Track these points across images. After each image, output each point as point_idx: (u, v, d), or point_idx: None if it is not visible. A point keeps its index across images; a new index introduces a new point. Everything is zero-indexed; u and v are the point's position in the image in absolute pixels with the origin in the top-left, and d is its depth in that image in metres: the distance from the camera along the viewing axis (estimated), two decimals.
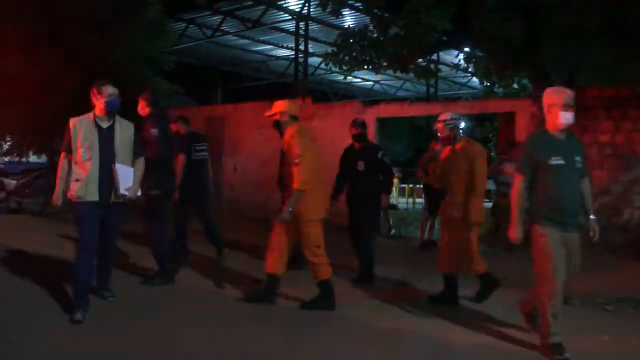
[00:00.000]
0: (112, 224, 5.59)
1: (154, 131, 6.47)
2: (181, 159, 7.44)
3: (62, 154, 5.41)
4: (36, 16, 10.99)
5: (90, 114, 5.38)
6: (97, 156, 5.26)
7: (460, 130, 6.17)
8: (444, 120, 6.16)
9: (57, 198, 5.44)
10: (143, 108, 6.75)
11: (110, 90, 5.33)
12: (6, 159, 14.48)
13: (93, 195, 5.25)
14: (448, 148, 6.20)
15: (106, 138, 5.34)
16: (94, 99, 5.34)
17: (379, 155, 7.38)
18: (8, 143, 13.82)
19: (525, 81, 12.99)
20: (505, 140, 9.92)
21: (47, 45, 11.18)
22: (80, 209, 5.28)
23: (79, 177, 5.24)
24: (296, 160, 5.52)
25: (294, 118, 5.96)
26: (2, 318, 5.18)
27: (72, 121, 5.32)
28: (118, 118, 5.48)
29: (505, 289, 6.41)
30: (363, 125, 7.56)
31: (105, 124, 5.38)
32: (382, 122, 12.73)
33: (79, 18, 11.35)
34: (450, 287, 6.29)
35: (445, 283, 6.31)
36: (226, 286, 6.75)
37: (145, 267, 7.21)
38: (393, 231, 12.36)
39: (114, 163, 5.35)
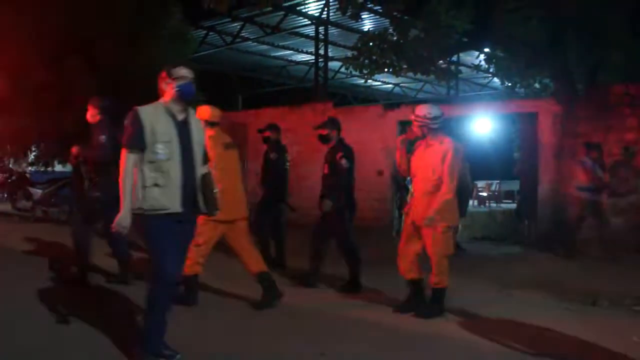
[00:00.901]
0: (184, 246, 4.50)
1: (102, 137, 6.58)
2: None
3: (125, 151, 4.16)
4: (60, 28, 11.13)
5: (161, 103, 4.39)
6: (179, 155, 4.22)
7: (434, 127, 5.74)
8: (418, 116, 5.80)
9: (125, 218, 4.11)
10: (93, 115, 6.79)
11: (183, 72, 4.39)
12: (32, 169, 14.68)
13: (175, 206, 4.17)
14: (421, 144, 5.85)
15: (183, 133, 4.30)
16: (163, 85, 4.40)
17: (337, 157, 7.04)
18: (34, 153, 14.01)
19: (547, 80, 12.88)
20: (585, 142, 9.74)
21: (71, 55, 11.32)
22: (156, 224, 4.14)
23: (158, 182, 4.12)
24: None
25: (210, 124, 6.02)
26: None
27: (141, 109, 4.26)
28: (190, 110, 4.51)
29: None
30: (326, 125, 7.38)
31: (179, 116, 4.34)
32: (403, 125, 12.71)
33: (102, 28, 11.47)
34: (414, 294, 5.94)
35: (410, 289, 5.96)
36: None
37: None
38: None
39: (195, 164, 4.34)
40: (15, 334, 4.85)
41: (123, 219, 4.10)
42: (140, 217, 4.14)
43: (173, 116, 4.29)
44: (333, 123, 7.33)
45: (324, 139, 7.29)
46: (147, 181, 4.13)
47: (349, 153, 7.07)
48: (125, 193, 4.11)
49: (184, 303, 5.66)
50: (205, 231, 5.72)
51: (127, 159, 4.14)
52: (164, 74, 4.40)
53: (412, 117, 5.85)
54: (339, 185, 7.00)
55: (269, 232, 8.43)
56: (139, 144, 4.13)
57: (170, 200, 4.15)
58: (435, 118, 5.73)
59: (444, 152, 5.62)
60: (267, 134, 8.73)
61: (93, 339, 4.72)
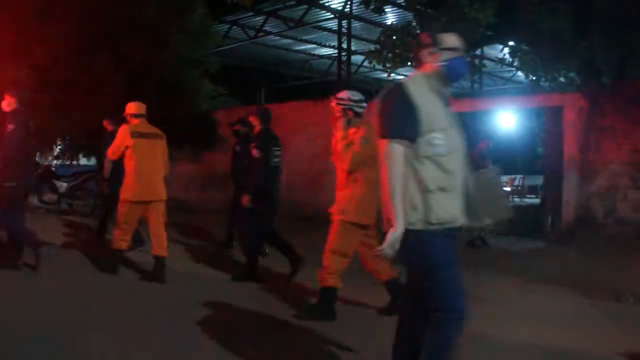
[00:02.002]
0: None
1: (12, 127, 6.63)
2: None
3: (388, 143, 3.03)
4: (85, 22, 11.23)
5: (421, 75, 3.33)
6: (460, 149, 3.21)
7: (359, 110, 5.41)
8: (342, 98, 5.43)
9: (398, 237, 2.96)
10: (10, 104, 6.82)
11: (453, 41, 3.31)
12: (57, 162, 14.84)
13: (460, 217, 3.16)
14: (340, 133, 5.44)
15: (453, 118, 3.26)
16: (422, 53, 3.35)
17: (250, 147, 7.13)
18: (59, 147, 14.15)
19: (572, 74, 12.75)
20: None
21: (96, 50, 11.41)
22: (444, 244, 3.08)
23: (444, 185, 3.06)
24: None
25: (135, 116, 6.95)
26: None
27: (408, 83, 3.24)
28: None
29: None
30: (241, 121, 7.91)
31: (445, 96, 3.29)
32: None
33: (127, 23, 11.55)
34: (325, 299, 5.40)
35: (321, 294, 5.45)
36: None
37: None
38: None
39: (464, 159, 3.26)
40: None
41: (396, 238, 2.96)
42: (418, 234, 3.03)
43: (441, 95, 3.24)
44: (244, 120, 8.02)
45: (235, 133, 8.21)
46: (429, 184, 3.03)
47: (263, 143, 7.01)
48: (398, 201, 2.96)
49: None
50: (125, 212, 6.69)
51: (394, 154, 2.99)
52: (425, 39, 3.33)
53: (334, 102, 5.45)
54: (252, 176, 7.02)
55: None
56: (411, 133, 3.03)
57: (457, 209, 3.12)
58: (359, 101, 5.45)
59: (354, 141, 5.23)
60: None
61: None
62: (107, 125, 8.82)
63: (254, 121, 7.21)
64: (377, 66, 12.94)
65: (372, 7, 11.45)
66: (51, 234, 8.81)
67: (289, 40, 18.91)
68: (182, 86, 12.95)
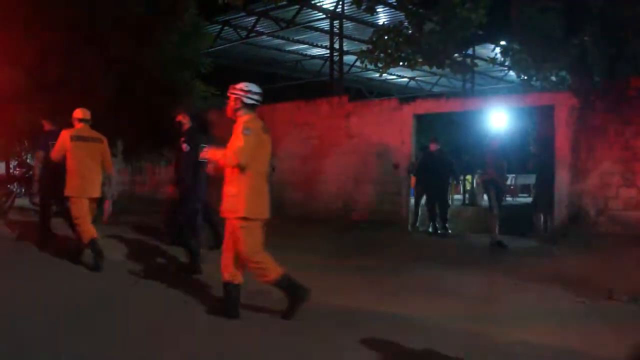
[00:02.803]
0: None
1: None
2: (39, 155, 8.47)
3: None
4: (75, 22, 11.17)
5: None
6: None
7: (248, 102, 5.39)
8: (235, 88, 5.46)
9: None
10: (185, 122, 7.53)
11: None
12: None
13: None
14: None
15: None
16: None
17: (180, 141, 7.52)
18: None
19: (563, 73, 12.77)
20: None
21: (86, 50, 11.36)
22: None
23: None
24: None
25: (81, 121, 7.65)
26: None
27: None
28: None
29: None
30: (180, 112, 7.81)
31: None
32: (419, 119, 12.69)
33: (117, 23, 11.51)
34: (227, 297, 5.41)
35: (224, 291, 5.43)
36: None
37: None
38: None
39: None
40: None
41: None
42: None
43: None
44: (187, 111, 7.84)
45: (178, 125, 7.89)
46: None
47: (190, 138, 7.40)
48: None
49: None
50: (76, 207, 7.36)
51: None
52: None
53: (230, 91, 5.46)
54: (180, 169, 7.43)
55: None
56: None
57: None
58: (250, 92, 5.41)
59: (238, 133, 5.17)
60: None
61: None
62: (46, 124, 9.03)
63: (184, 119, 7.64)
64: (369, 66, 12.93)
65: (363, 7, 11.44)
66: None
67: (281, 41, 18.92)
68: (174, 87, 12.91)
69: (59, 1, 11.05)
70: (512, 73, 17.98)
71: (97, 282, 6.75)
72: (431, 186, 11.77)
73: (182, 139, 7.45)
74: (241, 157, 5.05)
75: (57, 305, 5.61)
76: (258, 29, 17.39)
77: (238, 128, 5.19)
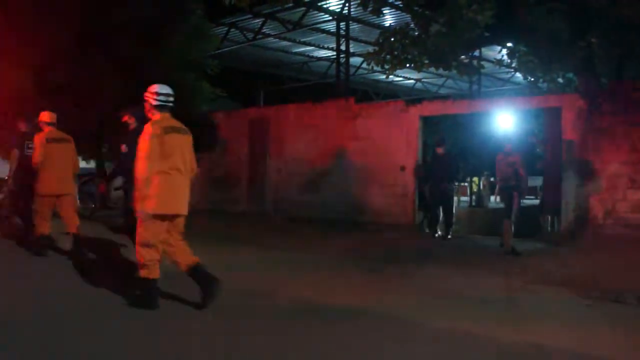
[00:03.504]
0: None
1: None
2: (14, 153, 8.90)
3: None
4: (83, 25, 11.23)
5: None
6: None
7: (155, 103, 5.56)
8: (149, 91, 5.62)
9: None
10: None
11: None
12: None
13: None
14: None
15: None
16: None
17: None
18: None
19: (570, 75, 12.75)
20: None
21: (94, 53, 11.42)
22: None
23: None
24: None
25: (48, 124, 8.18)
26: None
27: None
28: None
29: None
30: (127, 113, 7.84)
31: None
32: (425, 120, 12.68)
33: (125, 25, 11.56)
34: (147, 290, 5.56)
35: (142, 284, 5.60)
36: None
37: None
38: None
39: None
40: None
41: None
42: None
43: None
44: (134, 112, 7.48)
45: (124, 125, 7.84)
46: None
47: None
48: None
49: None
50: (40, 203, 7.93)
51: None
52: None
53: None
54: (119, 169, 8.04)
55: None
56: None
57: None
58: (157, 94, 5.56)
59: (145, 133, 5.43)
60: (125, 118, 7.76)
61: None
62: (22, 125, 9.23)
63: (129, 119, 7.61)
64: (375, 68, 12.93)
65: (370, 8, 11.43)
66: None
67: (288, 43, 18.94)
68: (181, 88, 12.93)
69: (67, 4, 11.10)
70: (518, 75, 17.99)
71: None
72: (436, 190, 11.53)
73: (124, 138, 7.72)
74: (141, 161, 5.34)
75: None
76: (265, 30, 17.43)
77: (145, 130, 5.44)
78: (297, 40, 18.77)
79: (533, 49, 11.17)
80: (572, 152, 10.52)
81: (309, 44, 19.24)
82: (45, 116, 8.25)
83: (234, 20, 16.83)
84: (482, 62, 18.10)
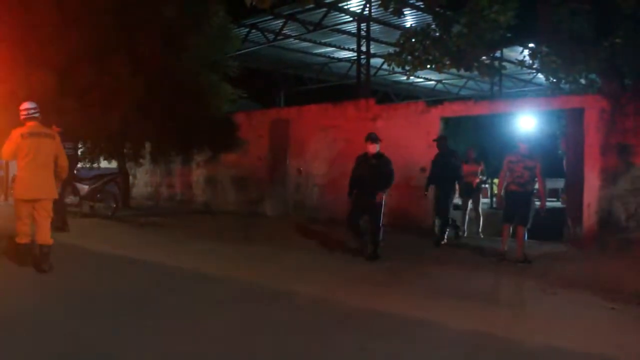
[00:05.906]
0: None
1: None
2: None
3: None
4: (106, 27, 11.34)
5: None
6: None
7: (24, 118, 7.37)
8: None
9: None
10: None
11: None
12: (79, 165, 15.02)
13: None
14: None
15: None
16: None
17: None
18: (80, 150, 14.29)
19: (593, 75, 12.63)
20: None
21: (117, 54, 11.52)
22: None
23: None
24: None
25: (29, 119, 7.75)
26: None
27: None
28: None
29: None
30: None
31: None
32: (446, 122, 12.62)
33: (147, 27, 11.65)
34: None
35: None
36: None
37: None
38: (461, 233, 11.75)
39: None
40: None
41: None
42: None
43: None
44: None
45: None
46: None
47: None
48: None
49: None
50: (17, 208, 7.39)
51: None
52: None
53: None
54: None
55: None
56: None
57: None
58: (21, 110, 7.44)
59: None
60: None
61: None
62: (55, 129, 9.14)
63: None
64: (396, 69, 12.89)
65: (391, 9, 11.40)
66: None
67: (308, 44, 18.98)
68: (202, 89, 13.03)
69: (90, 6, 11.21)
70: (540, 76, 17.82)
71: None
72: (438, 191, 11.05)
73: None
74: (7, 155, 7.42)
75: None
76: (285, 31, 17.47)
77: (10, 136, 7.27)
78: (318, 41, 18.80)
79: (555, 50, 11.08)
80: (594, 154, 10.41)
81: (330, 45, 19.25)
82: (25, 106, 7.46)
83: (255, 21, 16.89)
84: (504, 63, 17.97)
